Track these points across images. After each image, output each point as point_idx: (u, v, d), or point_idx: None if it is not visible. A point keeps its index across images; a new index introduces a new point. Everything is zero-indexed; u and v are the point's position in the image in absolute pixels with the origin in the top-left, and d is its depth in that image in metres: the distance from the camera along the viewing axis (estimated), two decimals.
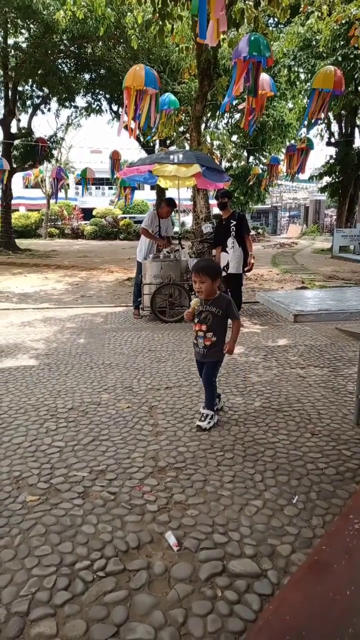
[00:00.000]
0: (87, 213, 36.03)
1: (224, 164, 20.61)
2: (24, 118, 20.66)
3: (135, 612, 1.64)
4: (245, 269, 6.34)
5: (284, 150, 16.78)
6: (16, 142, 18.93)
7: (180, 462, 2.67)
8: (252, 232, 28.31)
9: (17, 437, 2.99)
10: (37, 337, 5.67)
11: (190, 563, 1.87)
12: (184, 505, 2.26)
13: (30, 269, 14.41)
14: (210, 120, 18.75)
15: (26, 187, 36.20)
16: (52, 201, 30.62)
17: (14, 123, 19.20)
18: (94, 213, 34.59)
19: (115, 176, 14.47)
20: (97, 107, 20.11)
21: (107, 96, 19.78)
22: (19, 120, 20.28)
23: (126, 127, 7.77)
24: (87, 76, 19.01)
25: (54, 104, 20.57)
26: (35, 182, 32.05)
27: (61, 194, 19.79)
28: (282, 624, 1.06)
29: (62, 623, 1.60)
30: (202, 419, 3.12)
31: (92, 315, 7.10)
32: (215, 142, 15.71)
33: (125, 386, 3.95)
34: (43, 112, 20.46)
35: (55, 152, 23.42)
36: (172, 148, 16.06)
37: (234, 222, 6.25)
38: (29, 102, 19.58)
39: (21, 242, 22.36)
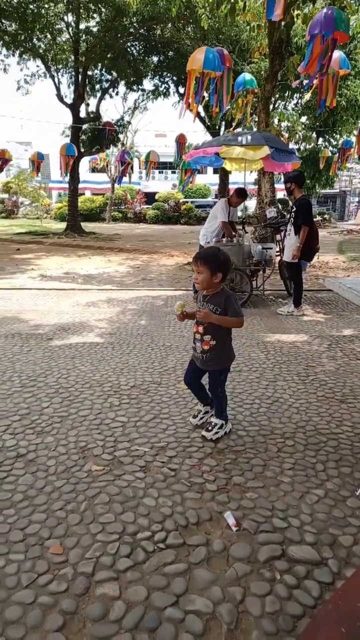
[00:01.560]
0: (149, 197, 36.36)
1: (292, 146, 19.93)
2: (92, 102, 21.09)
3: (194, 586, 1.68)
4: (290, 259, 6.06)
5: (356, 132, 15.92)
6: (84, 126, 19.37)
7: (240, 446, 2.67)
8: (317, 218, 27.24)
9: (83, 410, 3.12)
10: (100, 317, 5.85)
11: (249, 544, 1.88)
12: (243, 488, 2.27)
13: (94, 251, 14.84)
14: (279, 101, 18.13)
15: (92, 171, 37.07)
16: (116, 185, 31.23)
17: (82, 107, 19.64)
18: (156, 197, 34.83)
19: (181, 158, 14.44)
20: (164, 90, 20.10)
21: (175, 78, 19.69)
22: (87, 105, 20.69)
23: (191, 110, 7.71)
24: (155, 59, 19.01)
25: (121, 88, 20.71)
26: (101, 167, 32.71)
27: (125, 178, 20.08)
28: (351, 608, 1.05)
29: (125, 587, 1.67)
30: (210, 428, 2.75)
31: (152, 298, 7.21)
32: (283, 124, 15.21)
33: (186, 368, 3.98)
34: (111, 96, 20.74)
35: (121, 136, 23.71)
36: (238, 130, 15.75)
37: (295, 208, 6.03)
38: (97, 87, 19.91)
39: (86, 225, 23.02)
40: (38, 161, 17.50)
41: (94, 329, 5.26)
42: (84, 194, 34.13)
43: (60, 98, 18.85)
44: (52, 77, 18.61)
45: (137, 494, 2.21)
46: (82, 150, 19.07)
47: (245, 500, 2.16)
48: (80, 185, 22.78)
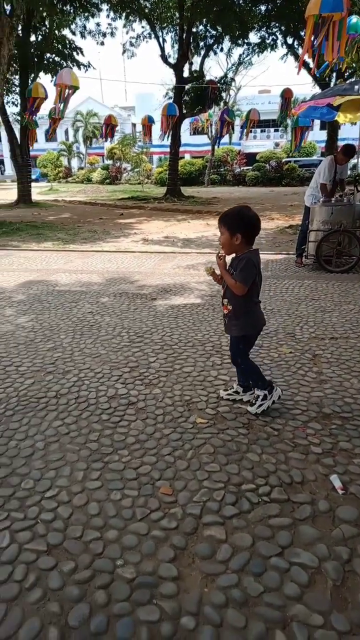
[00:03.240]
0: (250, 158, 35.18)
1: None
2: (195, 61, 20.60)
3: (299, 540, 1.70)
4: None
5: None
6: (187, 86, 19.08)
7: (347, 412, 2.59)
8: None
9: (186, 367, 3.23)
10: (200, 280, 5.91)
11: (356, 508, 1.85)
12: (350, 454, 2.21)
13: (193, 215, 14.88)
14: None
15: (192, 133, 36.65)
16: (216, 147, 30.61)
17: (186, 67, 19.31)
18: (257, 157, 33.57)
19: (286, 115, 13.68)
20: (271, 42, 18.92)
21: (282, 29, 18.42)
22: (191, 64, 20.27)
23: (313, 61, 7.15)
24: (262, 8, 17.87)
25: (226, 44, 19.93)
26: (202, 128, 32.20)
27: (225, 139, 19.59)
28: None
29: (231, 533, 1.74)
30: (253, 401, 2.60)
31: None
32: None
33: (288, 332, 3.91)
34: (215, 53, 20.14)
35: (224, 95, 23.01)
36: (352, 80, 14.43)
37: None
38: (201, 44, 19.37)
39: (185, 190, 23.04)
40: (149, 124, 17.71)
41: (194, 291, 5.34)
42: (183, 157, 33.99)
43: (164, 59, 18.71)
44: (157, 37, 18.50)
45: (241, 448, 2.26)
46: (184, 111, 18.88)
47: (353, 466, 2.11)
48: (180, 149, 22.69)
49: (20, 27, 14.03)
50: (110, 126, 16.91)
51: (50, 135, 16.83)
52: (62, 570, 1.58)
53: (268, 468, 2.10)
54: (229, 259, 2.49)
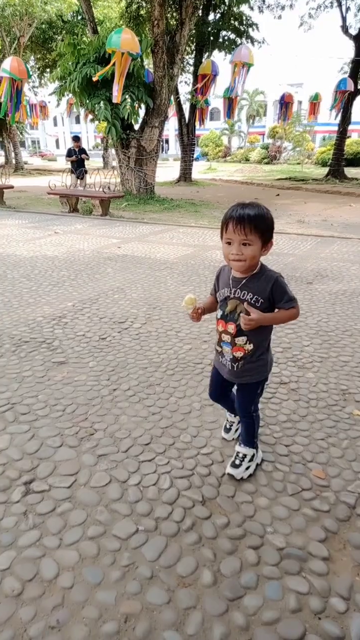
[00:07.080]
0: None
1: None
2: None
3: None
4: None
5: None
6: None
7: None
8: None
9: (343, 356, 3.09)
10: None
11: None
12: None
13: (356, 199, 13.89)
14: None
15: None
16: None
17: None
18: None
19: None
20: None
21: None
22: None
23: None
24: None
25: None
26: None
27: None
28: None
29: None
30: (237, 462, 1.92)
31: None
32: None
33: None
34: None
35: None
36: None
37: None
38: None
39: (348, 171, 21.52)
40: (317, 101, 16.92)
41: (354, 279, 5.03)
42: (350, 136, 31.58)
43: (344, 29, 17.42)
44: (340, 4, 17.24)
45: None
46: None
47: None
48: (350, 127, 21.11)
49: (200, 7, 14.31)
50: (286, 104, 16.43)
51: (232, 116, 16.79)
52: (215, 523, 1.69)
53: None
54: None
